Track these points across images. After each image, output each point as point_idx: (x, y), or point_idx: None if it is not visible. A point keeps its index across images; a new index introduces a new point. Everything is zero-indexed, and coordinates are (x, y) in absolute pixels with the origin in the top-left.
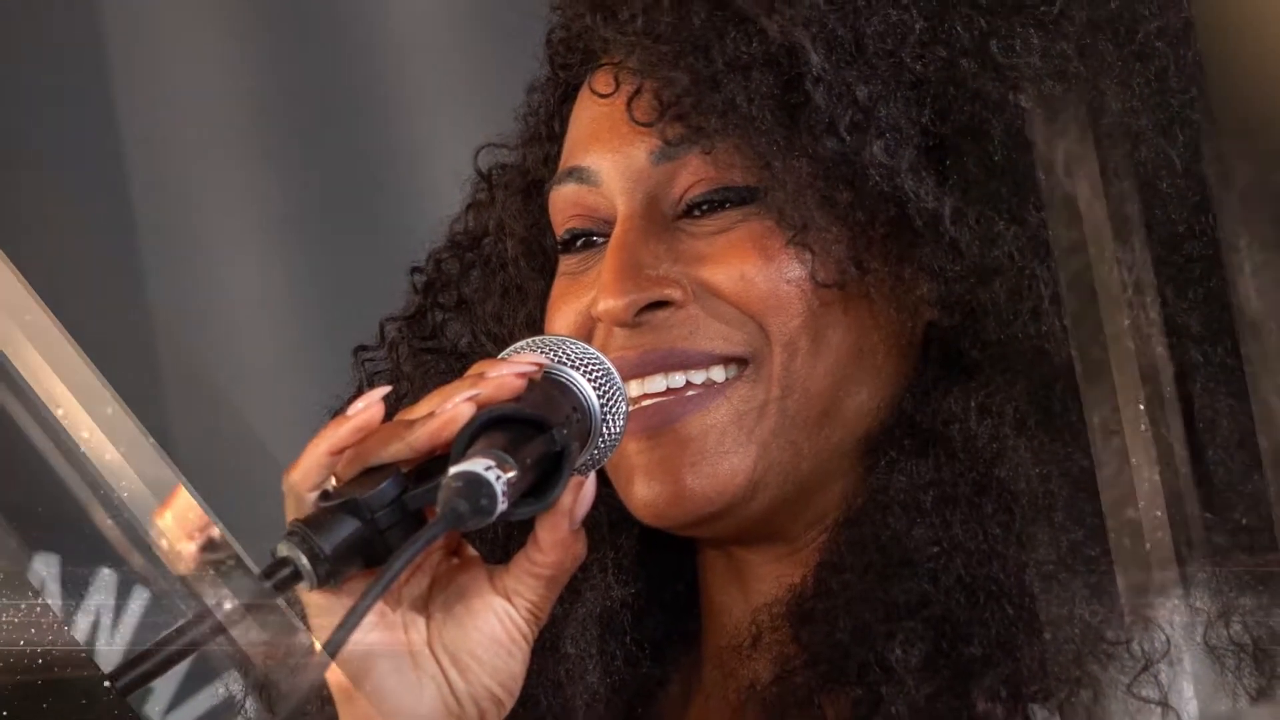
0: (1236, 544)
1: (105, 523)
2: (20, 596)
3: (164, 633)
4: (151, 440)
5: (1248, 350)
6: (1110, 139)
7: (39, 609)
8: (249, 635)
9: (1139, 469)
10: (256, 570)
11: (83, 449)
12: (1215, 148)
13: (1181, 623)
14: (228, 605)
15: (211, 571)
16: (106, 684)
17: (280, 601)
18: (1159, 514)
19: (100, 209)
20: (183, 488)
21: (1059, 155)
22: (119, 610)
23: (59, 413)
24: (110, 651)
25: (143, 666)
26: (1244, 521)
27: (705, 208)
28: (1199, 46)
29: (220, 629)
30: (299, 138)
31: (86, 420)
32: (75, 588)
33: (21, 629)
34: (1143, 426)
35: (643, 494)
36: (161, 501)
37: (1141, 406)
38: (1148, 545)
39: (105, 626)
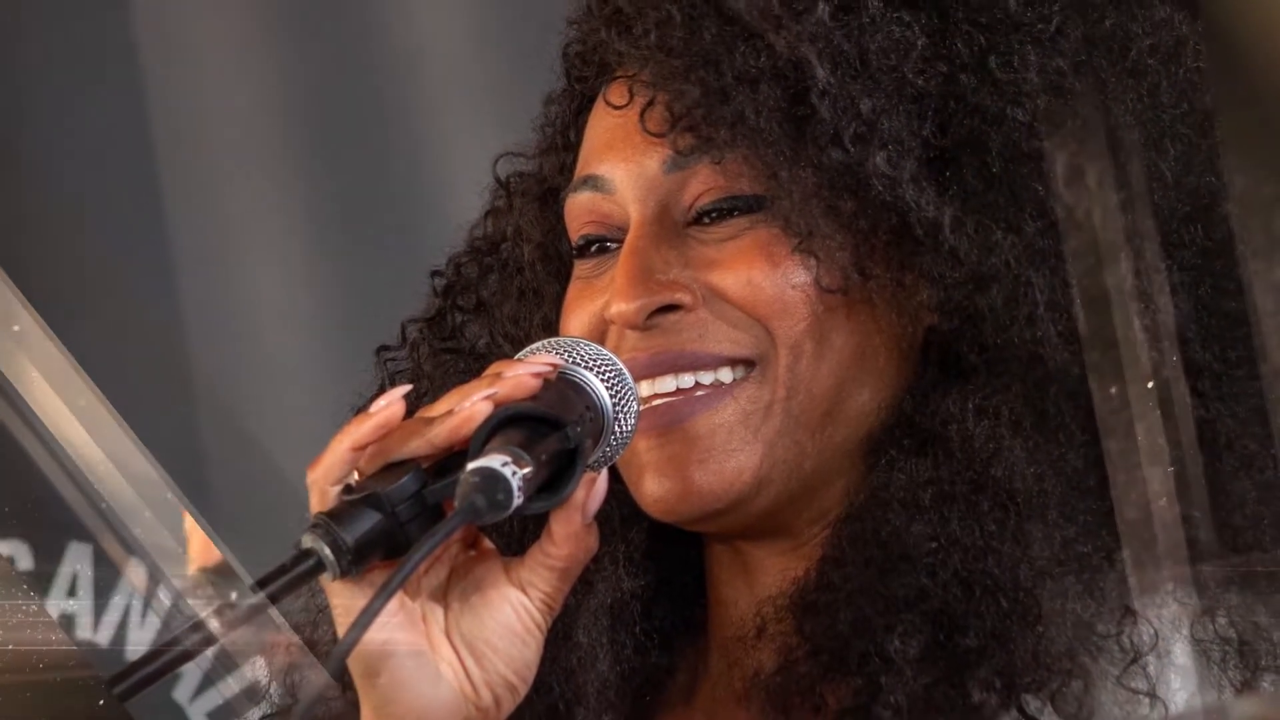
0: (1223, 542)
1: (99, 525)
2: (16, 596)
3: (167, 636)
4: (135, 437)
5: (1241, 356)
6: (1108, 150)
7: (36, 608)
8: (258, 633)
9: (1133, 469)
10: (265, 572)
11: (69, 448)
12: (1212, 157)
13: (1169, 617)
14: (233, 605)
15: (223, 570)
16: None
17: (273, 612)
18: (1153, 513)
19: (128, 212)
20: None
21: (1059, 166)
22: (124, 612)
23: (46, 415)
24: (111, 654)
25: (143, 671)
26: (1230, 521)
27: (714, 215)
28: (1193, 63)
29: (230, 626)
30: (323, 146)
31: (71, 420)
32: (78, 592)
33: (19, 629)
34: (1137, 427)
35: (653, 490)
36: (150, 501)
37: (1136, 407)
38: (1142, 544)
39: (107, 628)
